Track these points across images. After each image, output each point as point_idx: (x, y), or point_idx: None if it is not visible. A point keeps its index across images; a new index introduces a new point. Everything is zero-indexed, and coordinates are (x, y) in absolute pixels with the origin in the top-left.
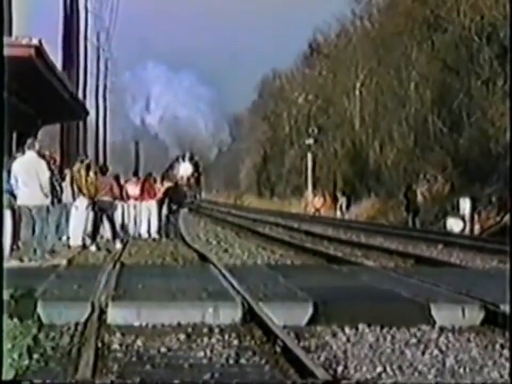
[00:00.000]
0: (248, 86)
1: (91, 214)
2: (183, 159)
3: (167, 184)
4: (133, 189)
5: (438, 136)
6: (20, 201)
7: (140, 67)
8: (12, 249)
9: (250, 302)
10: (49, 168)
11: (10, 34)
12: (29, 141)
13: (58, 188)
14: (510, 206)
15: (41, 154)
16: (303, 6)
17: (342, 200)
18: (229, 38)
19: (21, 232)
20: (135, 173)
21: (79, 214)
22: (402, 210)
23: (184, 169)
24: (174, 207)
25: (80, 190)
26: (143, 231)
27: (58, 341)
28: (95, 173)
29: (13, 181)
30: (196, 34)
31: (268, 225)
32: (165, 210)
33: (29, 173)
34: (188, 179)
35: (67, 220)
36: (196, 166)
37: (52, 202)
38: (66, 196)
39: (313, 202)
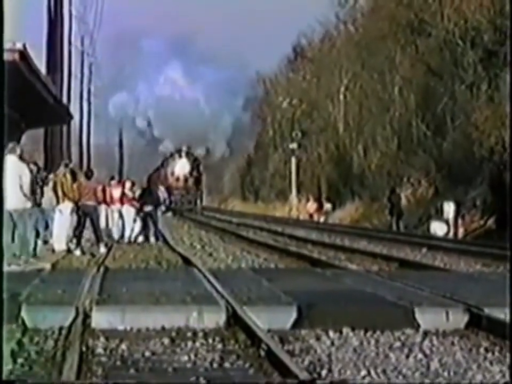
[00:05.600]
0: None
1: (75, 218)
2: (179, 155)
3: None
4: (117, 193)
5: (421, 140)
6: None
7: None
8: None
9: (235, 305)
10: (30, 171)
11: None
12: (10, 145)
13: (38, 192)
14: (510, 210)
15: (23, 159)
16: (286, 10)
17: (327, 206)
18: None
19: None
20: (119, 177)
21: (64, 219)
22: (386, 214)
23: (181, 167)
24: (148, 209)
25: (65, 194)
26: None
27: (43, 345)
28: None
29: None
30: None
31: (252, 229)
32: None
33: (10, 177)
34: (186, 179)
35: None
36: (195, 163)
37: (32, 206)
38: (50, 200)
39: (306, 207)
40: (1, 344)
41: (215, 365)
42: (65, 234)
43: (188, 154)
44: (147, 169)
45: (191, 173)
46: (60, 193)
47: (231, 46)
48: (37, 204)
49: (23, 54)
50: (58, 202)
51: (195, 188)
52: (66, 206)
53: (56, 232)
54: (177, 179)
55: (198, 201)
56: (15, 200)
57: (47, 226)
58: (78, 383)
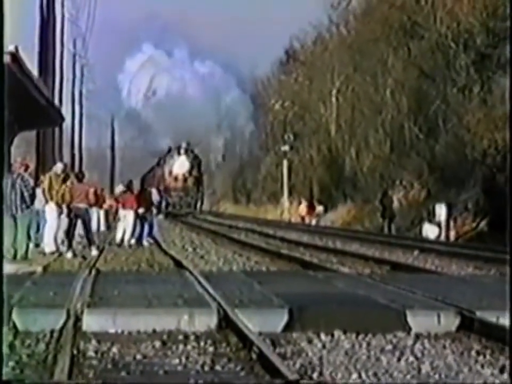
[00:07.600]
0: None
1: (66, 221)
2: (178, 152)
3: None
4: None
5: (414, 143)
6: None
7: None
8: None
9: (226, 308)
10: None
11: None
12: None
13: (26, 195)
14: (510, 213)
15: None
16: (279, 13)
17: (319, 209)
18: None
19: None
20: (111, 179)
21: (53, 221)
22: (378, 217)
23: (180, 165)
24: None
25: (56, 196)
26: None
27: (34, 348)
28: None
29: None
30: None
31: (243, 232)
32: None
33: None
34: (185, 179)
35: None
36: (195, 161)
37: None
38: (42, 201)
39: (298, 210)
40: (1, 345)
41: (206, 368)
42: (55, 237)
43: (188, 151)
44: (140, 171)
45: (190, 172)
46: (53, 195)
47: (224, 48)
48: (27, 206)
49: (15, 56)
50: (47, 201)
51: (195, 189)
52: (56, 209)
53: (47, 234)
54: (176, 179)
55: (198, 204)
56: None
57: (38, 229)
58: (73, 383)
